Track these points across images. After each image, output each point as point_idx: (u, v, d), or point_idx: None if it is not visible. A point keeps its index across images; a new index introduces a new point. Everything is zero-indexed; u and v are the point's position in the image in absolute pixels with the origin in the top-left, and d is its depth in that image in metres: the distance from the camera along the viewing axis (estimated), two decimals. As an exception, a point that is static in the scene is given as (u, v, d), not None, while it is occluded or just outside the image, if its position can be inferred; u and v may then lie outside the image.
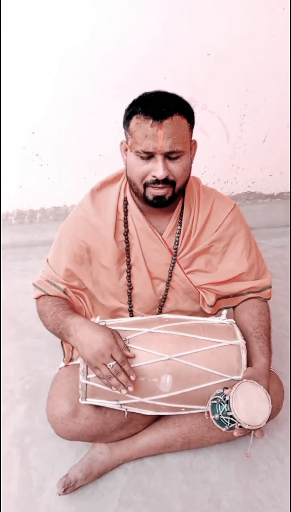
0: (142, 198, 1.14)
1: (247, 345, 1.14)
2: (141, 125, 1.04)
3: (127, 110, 1.11)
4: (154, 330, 1.14)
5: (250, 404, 0.97)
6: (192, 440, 1.28)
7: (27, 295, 2.06)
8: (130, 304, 1.31)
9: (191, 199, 1.25)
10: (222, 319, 1.25)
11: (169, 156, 1.06)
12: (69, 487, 1.22)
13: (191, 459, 1.35)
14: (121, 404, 1.14)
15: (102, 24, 2.03)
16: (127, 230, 1.23)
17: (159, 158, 1.05)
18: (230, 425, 0.98)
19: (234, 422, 0.97)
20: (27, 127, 2.27)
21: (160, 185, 1.08)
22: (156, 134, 1.02)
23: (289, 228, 2.58)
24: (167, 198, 1.12)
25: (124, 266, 1.26)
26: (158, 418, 1.32)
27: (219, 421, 1.00)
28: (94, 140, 2.29)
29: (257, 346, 1.15)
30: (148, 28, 2.08)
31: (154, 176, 1.07)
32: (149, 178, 1.09)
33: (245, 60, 2.26)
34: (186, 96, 2.38)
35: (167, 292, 1.29)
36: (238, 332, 1.17)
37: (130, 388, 1.03)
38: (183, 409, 1.16)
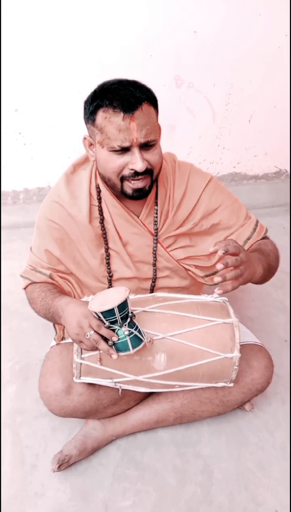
0: (120, 192, 1.12)
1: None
2: (111, 119, 1.00)
3: (90, 104, 1.04)
4: (148, 309, 1.14)
5: (105, 298, 0.98)
6: (184, 415, 1.30)
7: (13, 277, 2.03)
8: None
9: (164, 178, 1.23)
10: (215, 297, 1.26)
11: (144, 146, 1.03)
12: (64, 464, 1.23)
13: (183, 433, 1.37)
14: (115, 382, 1.14)
15: (88, 1, 1.98)
16: (103, 218, 1.21)
17: (135, 150, 1.02)
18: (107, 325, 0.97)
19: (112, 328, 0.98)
20: (10, 104, 2.20)
21: (140, 177, 1.06)
22: (129, 127, 0.99)
23: (276, 208, 2.63)
24: (147, 188, 1.10)
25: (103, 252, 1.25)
26: (150, 394, 1.33)
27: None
28: (79, 119, 2.22)
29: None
30: (135, 5, 2.03)
31: (132, 170, 1.04)
32: (126, 172, 1.06)
33: (231, 38, 2.23)
34: (172, 74, 2.34)
35: (155, 274, 1.28)
36: (231, 311, 1.18)
37: (114, 356, 0.98)
38: (177, 386, 1.17)
